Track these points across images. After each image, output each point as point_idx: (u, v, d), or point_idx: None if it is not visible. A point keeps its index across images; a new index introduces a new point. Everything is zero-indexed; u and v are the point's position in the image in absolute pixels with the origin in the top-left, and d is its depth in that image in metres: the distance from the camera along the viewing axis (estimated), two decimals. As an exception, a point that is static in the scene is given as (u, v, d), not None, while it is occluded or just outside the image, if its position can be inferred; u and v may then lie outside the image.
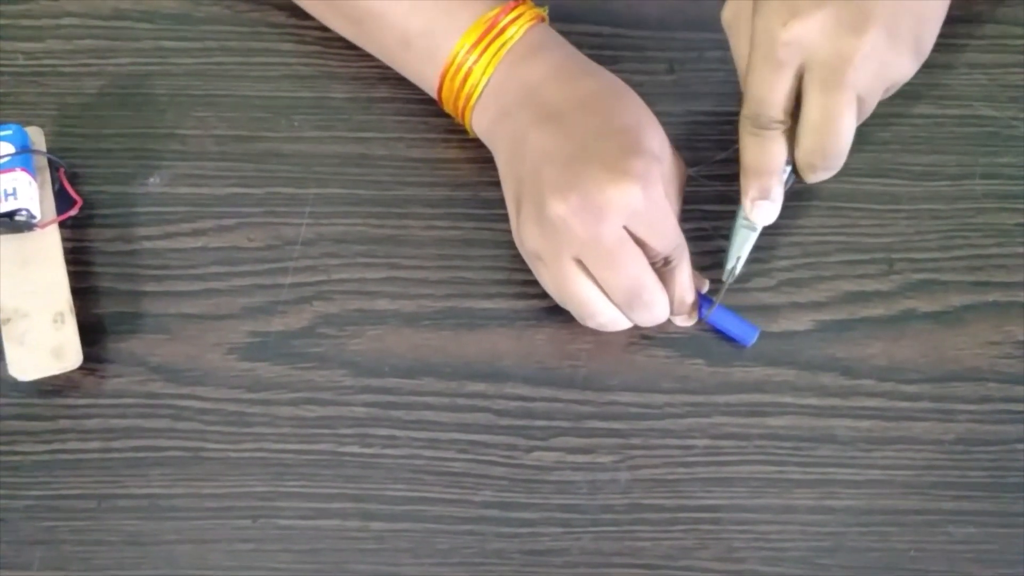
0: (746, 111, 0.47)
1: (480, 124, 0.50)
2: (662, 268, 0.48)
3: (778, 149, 0.47)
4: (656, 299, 0.48)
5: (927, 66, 0.55)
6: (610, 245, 0.45)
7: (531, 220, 0.47)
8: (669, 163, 0.48)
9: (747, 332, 0.50)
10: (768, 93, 0.46)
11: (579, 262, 0.46)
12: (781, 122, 0.46)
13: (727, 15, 0.49)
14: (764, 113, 0.46)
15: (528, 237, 0.47)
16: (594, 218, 0.45)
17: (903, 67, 0.46)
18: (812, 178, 0.48)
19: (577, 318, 0.49)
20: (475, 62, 0.49)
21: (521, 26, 0.49)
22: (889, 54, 0.45)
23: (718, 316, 0.50)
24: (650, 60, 0.55)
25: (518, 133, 0.48)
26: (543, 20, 0.51)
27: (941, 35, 0.53)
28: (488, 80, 0.49)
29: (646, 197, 0.45)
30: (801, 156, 0.47)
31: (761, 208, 0.48)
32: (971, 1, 0.56)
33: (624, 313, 0.48)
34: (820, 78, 0.44)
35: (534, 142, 0.47)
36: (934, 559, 0.48)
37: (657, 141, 0.47)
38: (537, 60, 0.49)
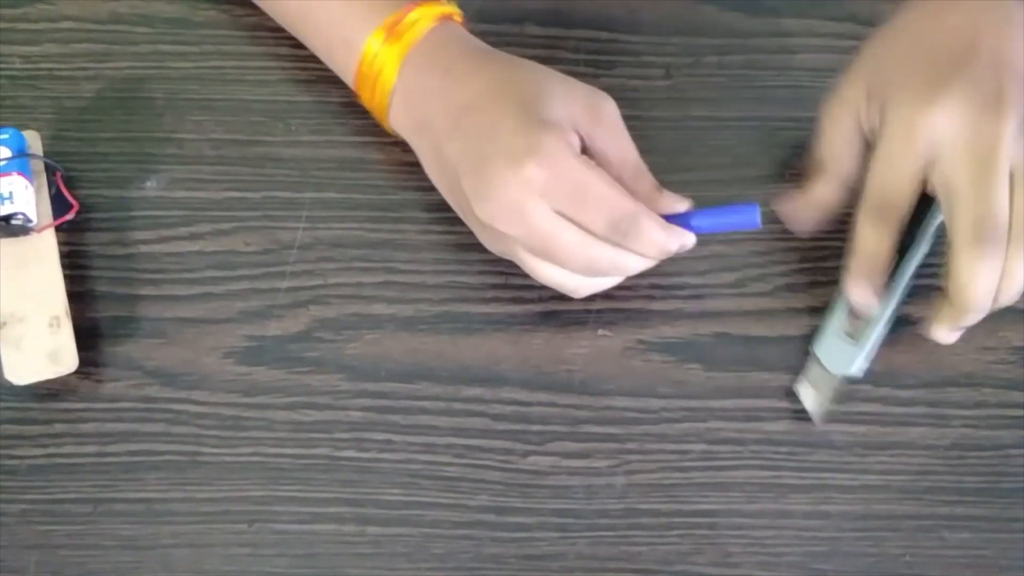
0: (871, 202, 0.47)
1: (402, 128, 0.50)
2: (625, 232, 0.45)
3: (894, 244, 0.47)
4: (620, 262, 0.46)
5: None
6: (544, 234, 0.44)
7: (478, 229, 0.47)
8: (583, 119, 0.46)
9: (747, 215, 0.46)
10: (901, 184, 0.45)
11: (528, 251, 0.46)
12: (905, 216, 0.46)
13: (834, 107, 0.48)
14: (894, 205, 0.46)
15: (487, 243, 0.48)
16: (515, 216, 0.44)
17: None
18: (957, 321, 0.47)
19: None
20: (381, 67, 0.49)
21: (421, 27, 0.48)
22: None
23: (707, 222, 0.47)
24: (646, 65, 0.56)
25: (435, 146, 0.48)
26: (451, 18, 0.50)
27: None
28: (395, 85, 0.49)
29: (554, 175, 0.43)
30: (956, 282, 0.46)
31: (865, 298, 0.48)
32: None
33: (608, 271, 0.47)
34: (968, 163, 0.44)
35: (448, 154, 0.47)
36: (929, 564, 0.48)
37: (558, 108, 0.45)
38: (435, 62, 0.48)
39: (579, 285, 0.48)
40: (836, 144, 0.48)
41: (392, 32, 0.48)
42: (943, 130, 0.44)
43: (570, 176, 0.44)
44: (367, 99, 0.50)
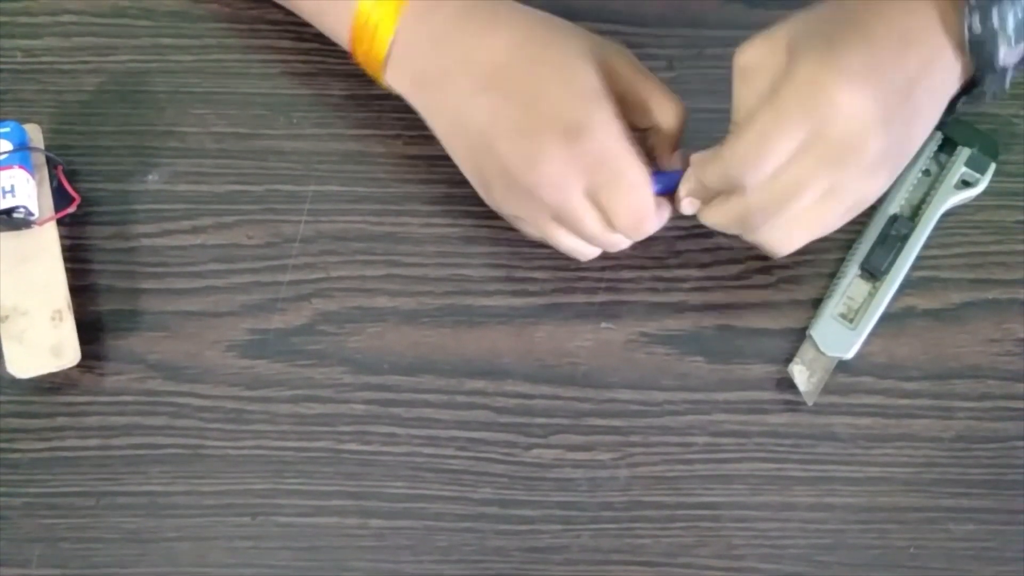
0: (729, 168, 0.44)
1: (403, 88, 0.49)
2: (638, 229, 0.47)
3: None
4: (639, 229, 0.47)
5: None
6: (577, 210, 0.45)
7: (503, 191, 0.47)
8: (617, 75, 0.46)
9: None
10: (764, 158, 0.43)
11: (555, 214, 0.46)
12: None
13: (746, 59, 0.46)
14: (748, 175, 0.44)
15: (505, 206, 0.48)
16: (557, 189, 0.45)
17: (876, 185, 0.45)
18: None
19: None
20: (380, 18, 0.47)
21: None
22: (879, 168, 0.44)
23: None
24: (650, 57, 0.55)
25: (453, 104, 0.47)
26: None
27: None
28: (395, 34, 0.47)
29: (602, 150, 0.44)
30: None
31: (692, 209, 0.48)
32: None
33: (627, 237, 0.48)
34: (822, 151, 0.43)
35: (475, 113, 0.46)
36: (933, 556, 0.48)
37: (597, 73, 0.45)
38: (443, 10, 0.47)
39: (593, 252, 0.49)
40: (751, 102, 0.45)
41: None
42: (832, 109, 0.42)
43: (613, 159, 0.45)
44: (363, 53, 0.48)
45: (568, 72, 0.45)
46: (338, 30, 0.49)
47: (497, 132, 0.45)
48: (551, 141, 0.44)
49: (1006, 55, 0.44)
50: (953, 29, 0.44)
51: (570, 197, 0.45)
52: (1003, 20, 0.43)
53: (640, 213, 0.46)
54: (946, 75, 0.45)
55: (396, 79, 0.48)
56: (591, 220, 0.46)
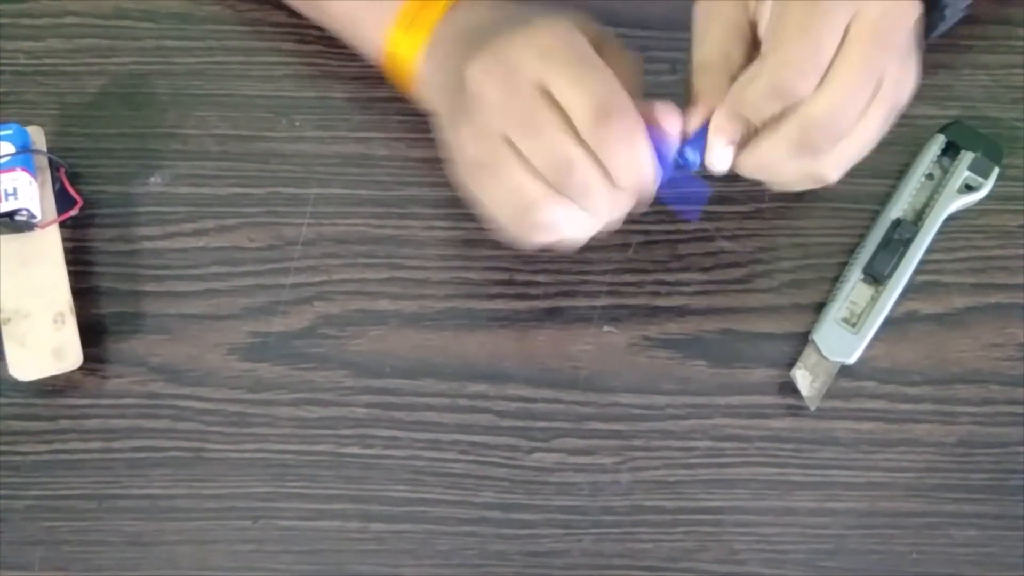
0: (783, 77, 0.41)
1: (433, 104, 0.48)
2: (601, 126, 0.41)
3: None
4: (590, 178, 0.41)
5: (930, 67, 0.55)
6: (526, 100, 0.41)
7: (462, 122, 0.43)
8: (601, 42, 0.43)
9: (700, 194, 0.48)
10: (818, 53, 0.40)
11: (510, 144, 0.41)
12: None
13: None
14: (804, 78, 0.41)
15: (465, 142, 0.43)
16: (506, 70, 0.41)
17: (910, 80, 0.44)
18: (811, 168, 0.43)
19: (521, 233, 0.44)
20: (412, 36, 0.47)
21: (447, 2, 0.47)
22: (909, 59, 0.43)
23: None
24: (654, 60, 0.55)
25: (452, 68, 0.44)
26: None
27: (944, 35, 0.52)
28: (426, 53, 0.47)
29: (561, 40, 0.41)
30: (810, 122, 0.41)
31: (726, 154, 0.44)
32: (975, 2, 0.56)
33: (562, 202, 0.42)
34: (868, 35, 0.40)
35: (458, 67, 0.43)
36: (935, 562, 0.48)
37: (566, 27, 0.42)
38: (472, 23, 0.46)
39: (580, 231, 0.43)
40: (720, 39, 0.43)
41: (418, 16, 0.47)
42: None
43: (575, 48, 0.41)
44: (396, 74, 0.49)
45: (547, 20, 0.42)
46: (367, 48, 0.50)
47: (470, 53, 0.42)
48: (511, 32, 0.41)
49: None
50: None
51: (519, 82, 0.40)
52: None
53: (608, 94, 0.41)
54: None
55: (427, 96, 0.48)
56: (548, 115, 0.40)
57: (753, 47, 0.44)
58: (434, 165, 0.53)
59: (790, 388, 0.50)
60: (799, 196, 0.52)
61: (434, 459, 0.49)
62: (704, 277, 0.52)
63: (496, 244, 0.52)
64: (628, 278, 0.52)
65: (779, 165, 0.43)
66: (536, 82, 0.41)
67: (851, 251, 0.52)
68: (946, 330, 0.51)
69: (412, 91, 0.49)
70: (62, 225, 0.50)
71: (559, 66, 0.41)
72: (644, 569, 0.48)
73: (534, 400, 0.50)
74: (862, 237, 0.52)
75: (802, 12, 0.41)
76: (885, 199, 0.53)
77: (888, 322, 0.51)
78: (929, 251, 0.51)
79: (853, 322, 0.50)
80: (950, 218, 0.52)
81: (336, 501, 0.49)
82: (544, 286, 0.51)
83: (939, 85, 0.55)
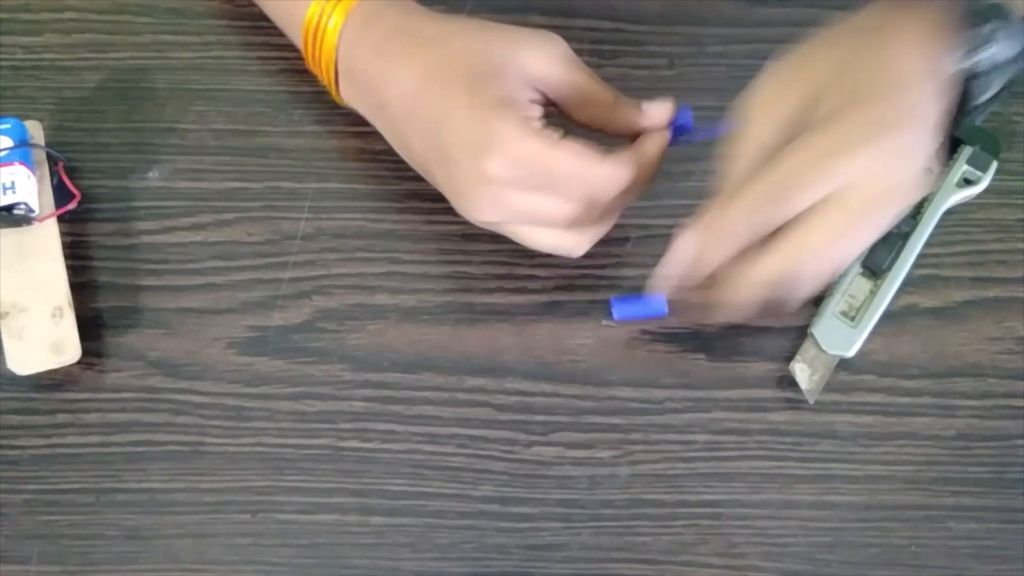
0: (780, 188, 0.41)
1: (357, 108, 0.50)
2: (601, 201, 0.45)
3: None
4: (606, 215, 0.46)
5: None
6: (524, 212, 0.44)
7: (451, 169, 0.45)
8: (537, 73, 0.45)
9: (658, 307, 0.49)
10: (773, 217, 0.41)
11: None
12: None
13: (766, 99, 0.43)
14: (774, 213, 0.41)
15: (471, 215, 0.46)
16: (491, 207, 0.44)
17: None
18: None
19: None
20: (322, 41, 0.48)
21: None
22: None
23: (624, 310, 0.50)
24: (651, 55, 0.55)
25: (395, 130, 0.48)
26: None
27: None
28: (337, 63, 0.48)
29: (516, 162, 0.42)
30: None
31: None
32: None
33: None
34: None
35: (411, 143, 0.47)
36: (934, 555, 0.48)
37: (507, 78, 0.44)
38: (369, 39, 0.47)
39: (575, 243, 0.47)
40: (766, 140, 0.42)
41: (329, 9, 0.47)
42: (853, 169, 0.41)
43: (534, 161, 0.43)
44: (315, 61, 0.49)
45: (471, 87, 0.44)
46: (292, 32, 0.50)
47: (430, 162, 0.46)
48: (464, 165, 0.44)
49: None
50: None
51: (507, 207, 0.44)
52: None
53: (588, 187, 0.43)
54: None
55: (352, 103, 0.50)
56: (549, 206, 0.44)
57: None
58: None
59: (789, 382, 0.50)
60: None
61: (433, 453, 0.49)
62: (703, 271, 0.52)
63: (495, 238, 0.52)
64: (627, 272, 0.52)
65: (764, 294, 0.43)
66: (523, 196, 0.44)
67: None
68: (944, 324, 0.51)
69: (327, 62, 0.49)
70: (60, 219, 0.50)
71: (532, 183, 0.43)
72: (643, 562, 0.48)
73: (533, 394, 0.50)
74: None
75: (795, 160, 0.40)
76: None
77: (887, 316, 0.51)
78: (928, 245, 0.51)
79: (852, 316, 0.50)
80: (948, 212, 0.52)
81: (335, 495, 0.49)
82: (543, 280, 0.51)
83: (937, 79, 0.55)
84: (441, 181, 0.46)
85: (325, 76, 0.49)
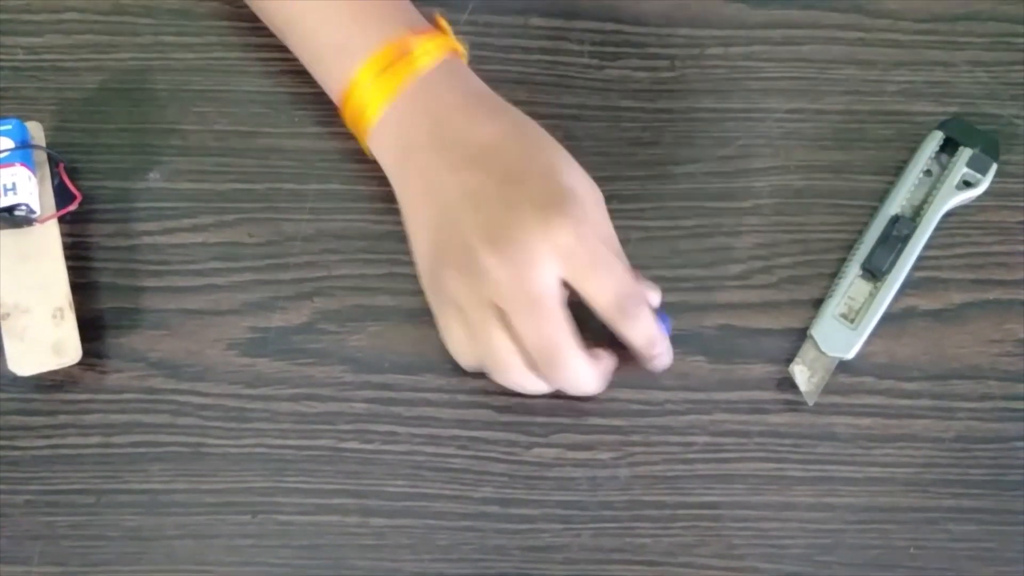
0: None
1: (384, 156, 0.49)
2: (626, 310, 0.46)
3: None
4: (572, 364, 0.45)
5: (929, 64, 0.56)
6: (536, 294, 0.44)
7: (454, 267, 0.45)
8: (593, 202, 0.46)
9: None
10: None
11: (500, 312, 0.44)
12: None
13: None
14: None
15: (450, 284, 0.45)
16: (526, 265, 0.43)
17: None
18: None
19: (489, 373, 0.47)
20: (378, 87, 0.47)
21: (432, 56, 0.48)
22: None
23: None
24: (652, 57, 0.55)
25: (430, 175, 0.47)
26: (458, 53, 0.49)
27: (942, 32, 0.53)
28: (390, 107, 0.47)
29: (578, 238, 0.44)
30: None
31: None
32: (973, -1, 0.56)
33: (543, 376, 0.46)
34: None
35: (451, 186, 0.46)
36: (934, 557, 0.48)
37: (579, 181, 0.46)
38: (445, 91, 0.47)
39: (521, 373, 0.46)
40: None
41: (402, 53, 0.47)
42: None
43: (589, 244, 0.44)
44: (352, 113, 0.49)
45: (550, 162, 0.46)
46: (330, 85, 0.50)
47: (470, 205, 0.45)
48: (528, 216, 0.44)
49: None
50: None
51: (537, 276, 0.43)
52: None
53: (625, 287, 0.46)
54: None
55: (380, 146, 0.49)
56: (552, 309, 0.44)
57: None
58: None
59: (788, 384, 0.50)
60: (798, 193, 0.53)
61: (433, 454, 0.49)
62: (704, 273, 0.52)
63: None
64: (627, 274, 0.52)
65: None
66: (551, 279, 0.44)
67: (849, 247, 0.52)
68: (944, 326, 0.51)
69: (362, 134, 0.50)
70: (61, 220, 0.50)
71: (576, 261, 0.44)
72: (643, 564, 0.48)
73: (533, 395, 0.50)
74: (860, 233, 0.52)
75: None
76: (883, 195, 0.53)
77: (886, 318, 0.51)
78: (927, 247, 0.52)
79: (851, 318, 0.50)
80: (948, 214, 0.52)
81: (335, 496, 0.49)
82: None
83: (937, 81, 0.55)
84: (482, 224, 0.44)
85: (366, 114, 0.48)
